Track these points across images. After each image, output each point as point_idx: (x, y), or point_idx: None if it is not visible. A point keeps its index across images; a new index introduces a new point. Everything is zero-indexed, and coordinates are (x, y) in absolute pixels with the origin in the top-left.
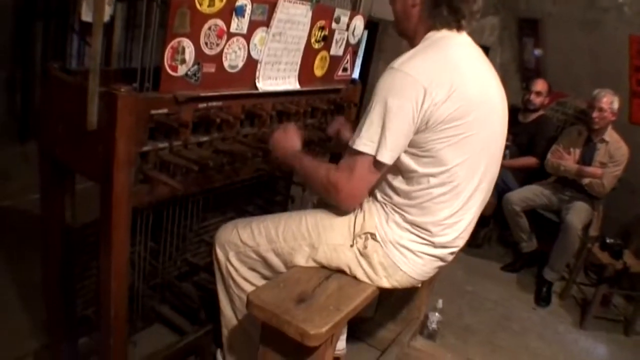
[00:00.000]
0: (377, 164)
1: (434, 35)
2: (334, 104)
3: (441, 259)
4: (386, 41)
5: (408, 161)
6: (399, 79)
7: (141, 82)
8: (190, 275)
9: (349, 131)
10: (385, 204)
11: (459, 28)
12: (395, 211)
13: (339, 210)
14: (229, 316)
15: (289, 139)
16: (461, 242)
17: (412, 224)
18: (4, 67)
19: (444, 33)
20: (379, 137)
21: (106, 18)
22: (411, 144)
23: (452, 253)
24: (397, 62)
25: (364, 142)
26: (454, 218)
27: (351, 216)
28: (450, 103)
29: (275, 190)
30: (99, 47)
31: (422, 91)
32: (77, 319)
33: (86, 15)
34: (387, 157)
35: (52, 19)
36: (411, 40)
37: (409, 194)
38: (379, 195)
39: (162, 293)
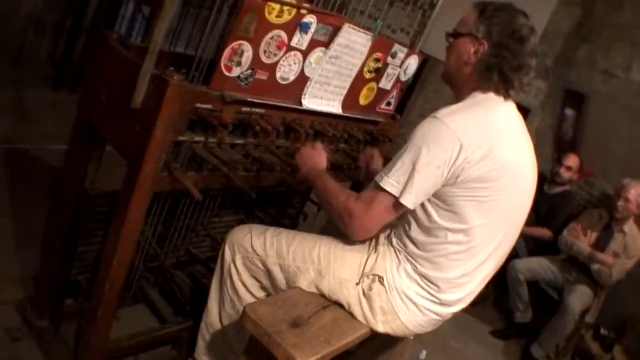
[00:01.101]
0: (397, 205)
1: (479, 95)
2: (370, 135)
3: (441, 316)
4: (431, 79)
5: (430, 210)
6: (438, 129)
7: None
8: (187, 265)
9: (379, 164)
10: (399, 250)
11: (506, 96)
12: (408, 260)
13: (354, 244)
14: (214, 315)
15: (316, 156)
16: (464, 304)
17: (422, 275)
18: (56, 12)
19: (491, 95)
20: (406, 179)
21: None
22: (436, 195)
23: (453, 313)
24: (441, 113)
25: (391, 181)
26: (465, 279)
27: (364, 254)
28: (484, 164)
29: (290, 203)
30: (164, 31)
31: (459, 146)
32: (68, 281)
33: None
34: (409, 202)
35: None
36: (456, 93)
37: (425, 245)
38: (394, 241)
39: (155, 277)
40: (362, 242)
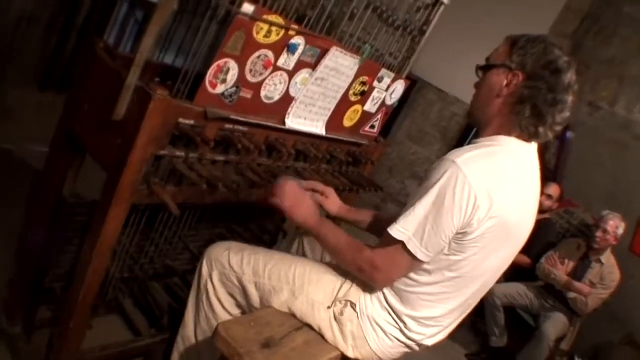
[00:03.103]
0: (415, 260)
1: (504, 141)
2: (352, 157)
3: (410, 348)
4: (419, 100)
5: None
6: (458, 181)
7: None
8: (165, 277)
9: (332, 203)
10: None
11: (532, 136)
12: (382, 291)
13: (332, 269)
14: (190, 329)
15: (303, 201)
16: (430, 343)
17: (392, 308)
18: (49, 9)
19: (514, 143)
20: (420, 233)
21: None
22: None
23: (426, 346)
24: (461, 159)
25: (405, 233)
26: (432, 322)
27: (340, 280)
28: (488, 223)
29: (270, 219)
30: (151, 45)
31: (473, 203)
32: (43, 288)
33: None
34: (419, 253)
35: None
36: (481, 130)
37: (399, 282)
38: None
39: (131, 288)
40: (340, 267)
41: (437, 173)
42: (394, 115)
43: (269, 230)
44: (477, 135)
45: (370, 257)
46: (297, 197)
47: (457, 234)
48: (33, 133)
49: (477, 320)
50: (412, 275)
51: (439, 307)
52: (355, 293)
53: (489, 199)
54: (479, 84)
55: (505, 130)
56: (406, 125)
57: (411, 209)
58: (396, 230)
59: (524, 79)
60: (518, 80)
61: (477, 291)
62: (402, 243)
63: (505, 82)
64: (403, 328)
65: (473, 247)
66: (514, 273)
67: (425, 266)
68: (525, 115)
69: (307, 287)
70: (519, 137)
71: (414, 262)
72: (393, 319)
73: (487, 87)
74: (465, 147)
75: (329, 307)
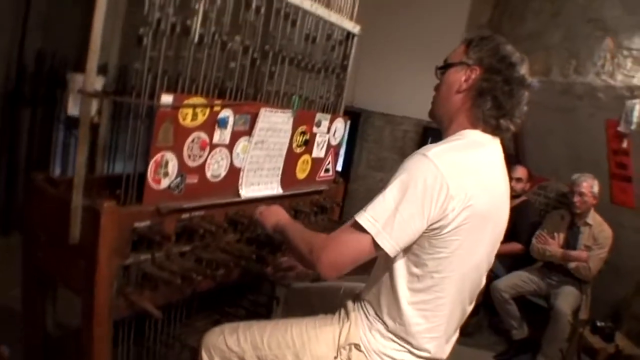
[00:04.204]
0: (373, 245)
1: (470, 135)
2: (317, 205)
3: None
4: (369, 130)
5: (395, 273)
6: (427, 167)
7: (125, 190)
8: None
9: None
10: (368, 312)
11: (496, 128)
12: (378, 320)
13: (325, 318)
14: None
15: (276, 210)
16: (444, 355)
17: (393, 333)
18: None
19: (479, 134)
20: (385, 219)
21: (94, 116)
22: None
23: (446, 352)
24: (431, 151)
25: (368, 217)
26: (436, 331)
27: (337, 327)
28: (463, 213)
29: (260, 291)
30: (84, 161)
31: (445, 191)
32: None
33: (72, 110)
34: (387, 246)
35: (38, 107)
36: (445, 129)
37: (390, 306)
38: (363, 303)
39: None
40: (332, 313)
41: (408, 166)
42: (349, 152)
43: (262, 302)
44: (441, 138)
45: (324, 237)
46: (267, 213)
47: (434, 228)
48: (8, 278)
49: (494, 320)
50: (403, 286)
51: (438, 313)
52: (354, 333)
53: (461, 189)
54: (438, 85)
55: (469, 124)
56: (364, 158)
57: (381, 198)
58: (365, 219)
59: (481, 72)
60: (476, 75)
61: (470, 286)
62: (368, 234)
63: (464, 78)
64: (411, 349)
65: (454, 241)
66: (512, 263)
67: (414, 270)
68: (486, 107)
69: (307, 345)
70: (483, 130)
71: (374, 252)
72: (399, 344)
73: (447, 85)
74: (434, 144)
75: (335, 358)
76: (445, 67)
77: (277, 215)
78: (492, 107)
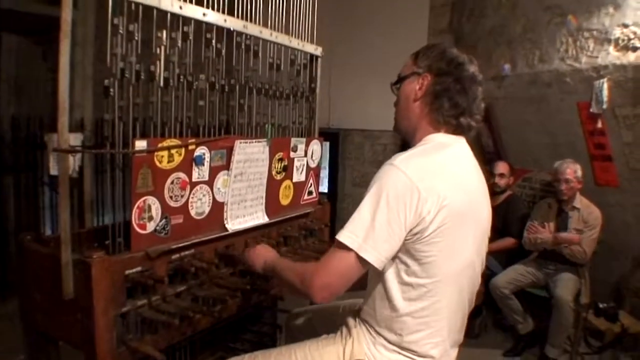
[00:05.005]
0: (360, 260)
1: (434, 139)
2: (305, 229)
3: None
4: (349, 148)
5: (389, 285)
6: (397, 177)
7: (113, 239)
8: None
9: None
10: (370, 326)
11: (457, 127)
12: (380, 335)
13: (328, 338)
14: None
15: (263, 250)
16: (457, 346)
17: (396, 345)
18: None
19: (442, 137)
20: (364, 233)
21: (72, 172)
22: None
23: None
24: (397, 160)
25: (348, 234)
26: (438, 336)
27: (340, 345)
28: (441, 214)
29: (261, 321)
30: (68, 218)
31: (417, 196)
32: None
33: (54, 169)
34: (371, 257)
35: (22, 173)
36: (411, 139)
37: (391, 318)
38: (364, 318)
39: None
40: (334, 333)
41: (378, 177)
42: (333, 172)
43: (265, 332)
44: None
45: (313, 264)
46: (254, 254)
47: (415, 233)
48: (11, 345)
49: (499, 318)
50: (398, 297)
51: (438, 317)
52: (358, 349)
53: (432, 190)
54: (397, 100)
55: (432, 128)
56: (348, 176)
57: (357, 213)
58: (345, 236)
59: (432, 77)
60: (428, 81)
61: (468, 285)
62: (351, 250)
63: (418, 86)
64: (417, 358)
65: (438, 243)
66: (507, 258)
67: (406, 279)
68: (444, 109)
69: None
70: (446, 132)
71: (362, 268)
72: (404, 355)
73: (404, 97)
74: (401, 152)
75: None
76: (399, 81)
77: (264, 255)
78: (449, 107)
